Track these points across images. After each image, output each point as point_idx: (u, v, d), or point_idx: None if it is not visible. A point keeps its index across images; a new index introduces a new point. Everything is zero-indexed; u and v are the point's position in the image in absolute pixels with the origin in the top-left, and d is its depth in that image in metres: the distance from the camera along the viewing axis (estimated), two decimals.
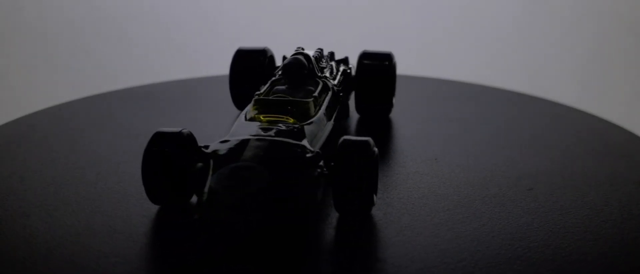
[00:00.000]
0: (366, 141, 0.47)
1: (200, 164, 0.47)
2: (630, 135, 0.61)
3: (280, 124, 0.50)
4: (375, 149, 0.47)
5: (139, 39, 1.25)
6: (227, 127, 0.65)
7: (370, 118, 0.66)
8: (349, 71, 0.65)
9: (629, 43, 1.19)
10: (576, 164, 0.56)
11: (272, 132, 0.49)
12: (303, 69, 0.58)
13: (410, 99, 0.71)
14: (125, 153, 0.59)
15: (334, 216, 0.48)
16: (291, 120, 0.52)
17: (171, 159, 0.48)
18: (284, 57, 0.66)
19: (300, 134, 0.50)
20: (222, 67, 0.76)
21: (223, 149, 0.47)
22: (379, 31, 1.18)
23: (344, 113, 0.63)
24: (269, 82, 0.59)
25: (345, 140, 0.47)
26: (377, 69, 0.64)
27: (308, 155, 0.46)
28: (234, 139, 0.48)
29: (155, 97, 0.73)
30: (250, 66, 0.66)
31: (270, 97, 0.54)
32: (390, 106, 0.65)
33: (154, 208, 0.49)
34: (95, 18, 1.25)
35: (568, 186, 0.53)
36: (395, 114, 0.66)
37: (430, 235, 0.46)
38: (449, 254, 0.44)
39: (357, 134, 0.59)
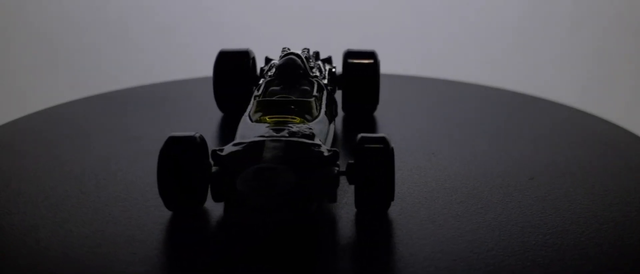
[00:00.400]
0: (384, 137, 0.47)
1: (215, 168, 0.47)
2: (629, 134, 0.63)
3: (290, 125, 0.50)
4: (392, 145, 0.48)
5: (129, 40, 1.23)
6: (218, 128, 0.64)
7: (357, 116, 0.66)
8: (333, 69, 0.65)
9: (630, 43, 1.21)
10: (572, 156, 0.58)
11: (285, 133, 0.49)
12: (298, 69, 0.58)
13: (408, 98, 0.72)
14: (120, 158, 0.57)
15: (351, 214, 0.48)
16: (298, 119, 0.52)
17: (188, 163, 0.47)
18: (267, 58, 0.66)
19: (316, 132, 0.50)
20: (199, 69, 0.75)
21: (239, 151, 0.46)
22: (374, 31, 1.19)
23: (335, 112, 0.64)
24: (263, 83, 0.58)
25: (364, 137, 0.47)
26: (363, 67, 0.65)
27: (326, 154, 0.46)
28: (248, 141, 0.47)
29: (141, 99, 0.72)
30: (234, 68, 0.65)
31: (274, 98, 0.54)
32: (376, 103, 0.66)
33: (167, 214, 0.48)
34: (95, 18, 1.22)
35: (567, 174, 0.55)
36: (390, 113, 0.67)
37: (452, 227, 0.47)
38: (477, 245, 0.45)
39: (352, 133, 0.60)
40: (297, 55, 0.60)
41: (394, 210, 0.49)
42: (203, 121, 0.66)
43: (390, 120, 0.66)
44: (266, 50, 0.69)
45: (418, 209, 0.49)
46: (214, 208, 0.49)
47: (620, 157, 0.58)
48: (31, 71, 1.21)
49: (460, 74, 0.97)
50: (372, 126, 0.65)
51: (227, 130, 0.63)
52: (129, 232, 0.46)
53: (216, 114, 0.67)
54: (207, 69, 0.78)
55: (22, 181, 0.54)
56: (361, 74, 0.65)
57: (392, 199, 0.47)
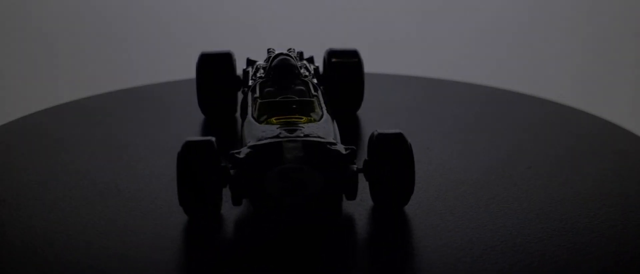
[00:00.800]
0: (401, 133, 0.48)
1: (233, 171, 0.47)
2: (619, 128, 0.64)
3: (300, 125, 0.50)
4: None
5: (111, 42, 1.20)
6: (204, 131, 0.63)
7: (341, 115, 0.66)
8: (316, 69, 0.66)
9: (630, 43, 1.24)
10: (564, 148, 0.60)
11: (299, 133, 0.49)
12: (294, 70, 0.58)
13: (391, 97, 0.72)
14: (115, 164, 0.56)
15: (366, 210, 0.49)
16: (304, 119, 0.52)
17: (207, 168, 0.46)
18: (249, 60, 0.66)
19: (324, 132, 0.50)
20: (174, 72, 0.74)
21: (258, 153, 0.46)
22: (371, 31, 1.18)
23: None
24: (257, 84, 0.58)
25: (381, 134, 0.48)
26: (347, 66, 0.65)
27: (344, 152, 0.47)
28: (264, 142, 0.47)
29: (121, 103, 0.70)
30: (217, 70, 0.64)
31: (278, 99, 0.54)
32: (360, 101, 0.66)
33: (183, 219, 0.47)
34: (97, 18, 1.18)
35: (563, 162, 0.56)
36: (375, 112, 0.67)
37: (473, 218, 0.48)
38: (501, 233, 0.46)
39: (347, 132, 0.60)
40: (289, 55, 0.60)
41: (410, 204, 0.49)
42: (188, 124, 0.65)
43: (376, 118, 0.66)
44: (237, 51, 0.68)
45: (433, 202, 0.50)
46: (230, 212, 0.48)
47: (611, 147, 0.60)
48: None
49: (454, 73, 0.98)
50: (357, 124, 0.65)
51: (216, 132, 0.62)
52: (151, 240, 0.45)
53: (199, 117, 0.66)
54: (179, 72, 0.77)
55: (22, 193, 0.52)
56: (346, 73, 0.65)
57: (412, 193, 0.48)
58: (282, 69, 0.58)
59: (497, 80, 0.95)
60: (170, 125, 0.66)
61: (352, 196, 0.47)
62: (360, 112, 0.67)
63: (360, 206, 0.49)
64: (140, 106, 0.70)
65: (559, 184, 0.53)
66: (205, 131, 0.64)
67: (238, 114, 0.66)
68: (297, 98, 0.54)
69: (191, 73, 0.67)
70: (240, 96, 0.65)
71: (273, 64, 0.59)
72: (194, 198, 0.46)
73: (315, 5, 1.23)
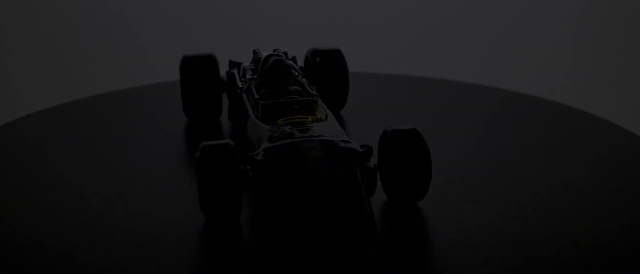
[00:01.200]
0: (416, 129, 0.49)
1: (251, 173, 0.46)
2: (609, 123, 0.65)
3: (309, 124, 0.50)
4: None
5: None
6: (192, 134, 0.63)
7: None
8: (301, 68, 0.65)
9: (629, 42, 1.26)
10: (555, 141, 0.61)
11: (313, 132, 0.48)
12: (289, 70, 0.58)
13: (374, 96, 0.72)
14: (109, 174, 0.55)
15: (377, 206, 0.49)
16: (310, 118, 0.52)
17: (227, 171, 0.46)
18: (232, 62, 0.65)
19: (334, 131, 0.50)
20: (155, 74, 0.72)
21: (276, 155, 0.46)
22: (372, 29, 1.17)
23: None
24: (251, 85, 0.58)
25: (395, 130, 0.49)
26: (332, 66, 0.66)
27: (360, 150, 0.47)
28: (281, 143, 0.47)
29: (100, 107, 0.69)
30: (202, 73, 0.64)
31: (281, 100, 0.54)
32: (344, 100, 0.67)
33: (198, 226, 0.47)
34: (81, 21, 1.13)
35: (557, 155, 0.58)
36: (360, 111, 0.67)
37: (489, 210, 0.49)
38: (522, 224, 0.47)
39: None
40: (280, 56, 0.59)
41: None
42: (176, 127, 0.64)
43: (362, 117, 0.66)
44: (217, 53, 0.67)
45: (445, 197, 0.50)
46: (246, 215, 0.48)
47: (608, 144, 0.61)
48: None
49: (455, 73, 0.99)
50: (343, 123, 0.65)
51: (207, 135, 0.62)
52: (168, 247, 0.45)
53: (182, 120, 0.65)
54: (164, 74, 0.76)
55: (23, 204, 0.50)
56: (330, 73, 0.65)
57: (428, 187, 0.49)
58: (277, 70, 0.58)
59: (490, 79, 0.97)
60: (159, 128, 0.64)
61: (371, 192, 0.47)
62: (343, 111, 0.67)
63: (373, 202, 0.49)
64: (127, 110, 0.68)
65: (557, 175, 0.54)
66: (196, 132, 0.63)
67: (224, 116, 0.65)
68: (301, 98, 0.54)
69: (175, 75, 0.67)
70: (225, 98, 0.65)
71: (267, 65, 0.58)
72: (216, 202, 0.46)
73: (290, 7, 1.22)
